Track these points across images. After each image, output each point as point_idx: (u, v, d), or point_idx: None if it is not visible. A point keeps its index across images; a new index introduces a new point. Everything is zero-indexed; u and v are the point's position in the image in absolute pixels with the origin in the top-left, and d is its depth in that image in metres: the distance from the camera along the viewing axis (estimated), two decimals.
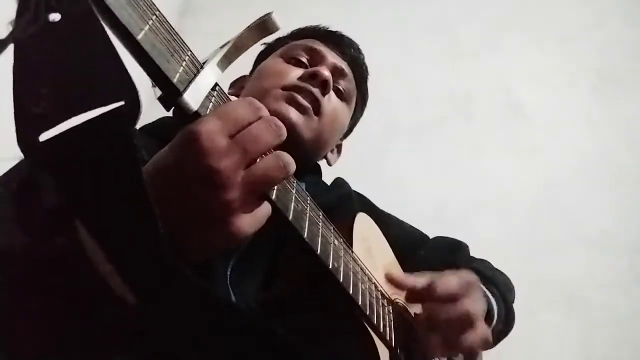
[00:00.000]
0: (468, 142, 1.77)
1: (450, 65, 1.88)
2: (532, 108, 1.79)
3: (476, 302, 0.66)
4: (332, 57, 0.86)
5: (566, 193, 1.64)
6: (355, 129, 1.03)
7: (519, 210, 1.63)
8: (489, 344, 0.67)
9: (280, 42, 0.91)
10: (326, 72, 0.78)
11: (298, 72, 0.80)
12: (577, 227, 1.58)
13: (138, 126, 0.53)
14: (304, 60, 0.84)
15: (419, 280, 0.67)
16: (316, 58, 0.84)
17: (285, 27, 0.93)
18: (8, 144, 0.32)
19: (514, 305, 0.89)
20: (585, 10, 1.90)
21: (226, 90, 0.93)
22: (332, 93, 0.82)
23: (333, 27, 0.95)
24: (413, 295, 0.68)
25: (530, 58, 1.86)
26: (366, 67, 0.95)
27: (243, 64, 0.56)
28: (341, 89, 0.86)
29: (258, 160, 0.41)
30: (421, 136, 1.79)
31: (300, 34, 0.92)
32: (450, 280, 0.64)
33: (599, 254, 1.54)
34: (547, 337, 1.45)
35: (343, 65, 0.87)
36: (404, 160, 1.76)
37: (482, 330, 0.64)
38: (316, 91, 0.77)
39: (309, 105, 0.77)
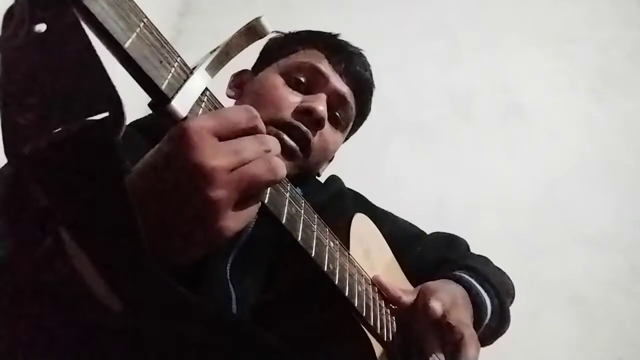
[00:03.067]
0: (468, 142, 1.76)
1: (450, 65, 1.88)
2: (531, 108, 1.79)
3: (462, 313, 0.67)
4: (336, 81, 0.82)
5: (566, 193, 1.64)
6: None
7: (519, 210, 1.63)
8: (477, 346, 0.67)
9: (288, 44, 0.87)
10: (321, 109, 0.76)
11: (294, 100, 0.78)
12: (577, 226, 1.58)
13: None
14: (304, 80, 0.81)
15: (404, 296, 0.68)
16: (319, 81, 0.81)
17: (285, 26, 0.93)
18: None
19: (515, 305, 0.89)
20: (585, 10, 1.90)
21: (218, 89, 0.92)
22: (327, 123, 0.80)
23: (324, 29, 0.92)
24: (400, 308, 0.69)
25: (530, 58, 1.86)
26: (372, 85, 0.92)
27: (236, 64, 0.55)
28: (338, 117, 0.84)
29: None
30: (421, 136, 1.79)
31: (309, 40, 0.88)
32: (435, 301, 0.65)
33: (599, 254, 1.54)
34: (547, 337, 1.45)
35: (345, 89, 0.84)
36: (404, 160, 1.76)
37: (470, 337, 0.65)
38: (306, 131, 0.76)
39: (296, 147, 0.75)
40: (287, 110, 0.77)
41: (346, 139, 0.97)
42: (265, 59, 0.89)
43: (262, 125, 0.43)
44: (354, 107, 0.87)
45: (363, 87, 0.89)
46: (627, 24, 1.84)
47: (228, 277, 0.61)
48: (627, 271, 1.52)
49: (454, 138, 1.77)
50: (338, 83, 0.83)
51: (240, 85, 0.90)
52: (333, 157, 0.97)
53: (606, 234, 1.56)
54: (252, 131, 0.42)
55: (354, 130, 0.96)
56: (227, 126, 0.40)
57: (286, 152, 0.74)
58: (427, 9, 1.99)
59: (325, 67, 0.82)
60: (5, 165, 0.51)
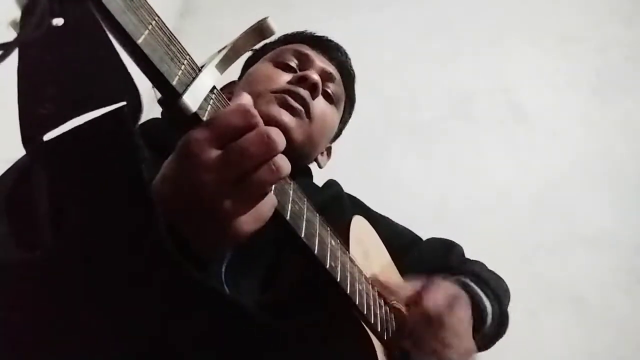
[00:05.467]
0: (468, 142, 1.77)
1: (450, 65, 1.89)
2: (531, 108, 1.79)
3: (460, 313, 0.67)
4: (321, 62, 0.87)
5: (566, 193, 1.64)
6: (355, 129, 1.04)
7: (519, 209, 1.63)
8: (472, 354, 0.68)
9: (269, 47, 0.91)
10: (315, 76, 0.79)
11: (287, 76, 0.81)
12: (577, 227, 1.59)
13: None
14: (293, 64, 0.84)
15: (404, 288, 0.69)
16: (305, 62, 0.85)
17: (285, 26, 0.94)
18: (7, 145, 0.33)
19: (513, 306, 0.90)
20: (585, 10, 1.91)
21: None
22: (320, 97, 0.83)
23: (324, 28, 0.96)
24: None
25: (530, 58, 1.86)
26: (353, 71, 0.96)
27: (236, 67, 0.56)
28: (330, 92, 0.86)
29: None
30: (421, 136, 1.79)
31: (288, 39, 0.93)
32: (434, 297, 0.65)
33: (599, 254, 1.54)
34: (547, 337, 1.46)
35: (331, 69, 0.88)
36: (404, 160, 1.76)
37: (465, 344, 0.66)
38: (306, 94, 0.78)
39: (301, 108, 0.77)
40: (283, 82, 0.80)
41: (338, 133, 0.98)
42: (248, 64, 0.93)
43: (259, 119, 0.42)
44: (342, 85, 0.91)
45: (346, 71, 0.93)
46: (627, 24, 1.85)
47: (223, 279, 0.61)
48: (627, 271, 1.52)
49: (454, 138, 1.78)
50: (323, 63, 0.87)
51: (229, 92, 0.92)
52: (331, 149, 0.98)
53: (606, 234, 1.56)
54: (250, 128, 0.41)
55: (345, 118, 0.98)
56: (225, 133, 0.40)
57: (293, 112, 0.77)
58: (427, 9, 2.00)
59: (308, 51, 0.87)
60: (19, 159, 0.52)
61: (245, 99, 0.43)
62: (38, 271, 0.37)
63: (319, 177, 0.96)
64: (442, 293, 0.66)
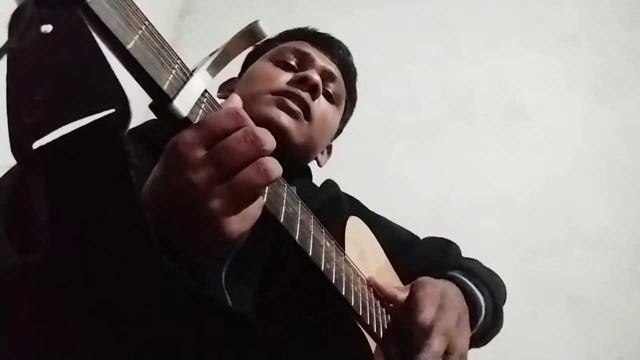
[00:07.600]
0: (468, 142, 1.77)
1: (450, 65, 1.89)
2: (531, 108, 1.79)
3: (453, 311, 0.67)
4: (321, 60, 0.86)
5: (566, 193, 1.64)
6: (355, 129, 1.04)
7: (518, 210, 1.63)
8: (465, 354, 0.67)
9: (270, 44, 0.90)
10: (316, 77, 0.78)
11: (287, 76, 0.80)
12: (577, 227, 1.59)
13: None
14: (293, 63, 0.83)
15: (399, 293, 0.68)
16: (305, 61, 0.84)
17: (285, 26, 0.94)
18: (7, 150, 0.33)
19: (513, 306, 0.90)
20: (585, 10, 1.90)
21: (215, 93, 0.94)
22: (321, 97, 0.82)
23: (324, 29, 0.95)
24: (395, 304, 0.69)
25: (530, 58, 1.86)
26: (355, 69, 0.96)
27: (233, 66, 0.56)
28: (330, 92, 0.86)
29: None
30: (421, 136, 1.79)
31: (289, 36, 0.92)
32: (426, 299, 0.65)
33: (599, 254, 1.54)
34: (547, 337, 1.46)
35: (332, 68, 0.87)
36: (404, 160, 1.76)
37: (461, 343, 0.65)
38: (306, 96, 0.77)
39: (300, 110, 0.77)
40: (283, 82, 0.79)
41: (339, 131, 0.98)
42: (249, 61, 0.92)
43: (249, 121, 0.42)
44: (343, 84, 0.90)
45: (347, 68, 0.93)
46: (627, 24, 1.85)
47: (224, 285, 0.61)
48: (626, 271, 1.52)
49: (454, 138, 1.78)
50: (324, 62, 0.86)
51: (229, 89, 0.92)
52: (331, 147, 0.98)
53: (606, 234, 1.56)
54: (239, 129, 0.42)
55: (346, 116, 0.97)
56: (213, 134, 0.40)
57: (292, 114, 0.76)
58: (427, 9, 2.00)
59: (309, 49, 0.86)
60: (13, 168, 0.52)
61: (235, 101, 0.43)
62: (35, 274, 0.37)
63: (319, 176, 0.96)
64: (430, 294, 0.66)
